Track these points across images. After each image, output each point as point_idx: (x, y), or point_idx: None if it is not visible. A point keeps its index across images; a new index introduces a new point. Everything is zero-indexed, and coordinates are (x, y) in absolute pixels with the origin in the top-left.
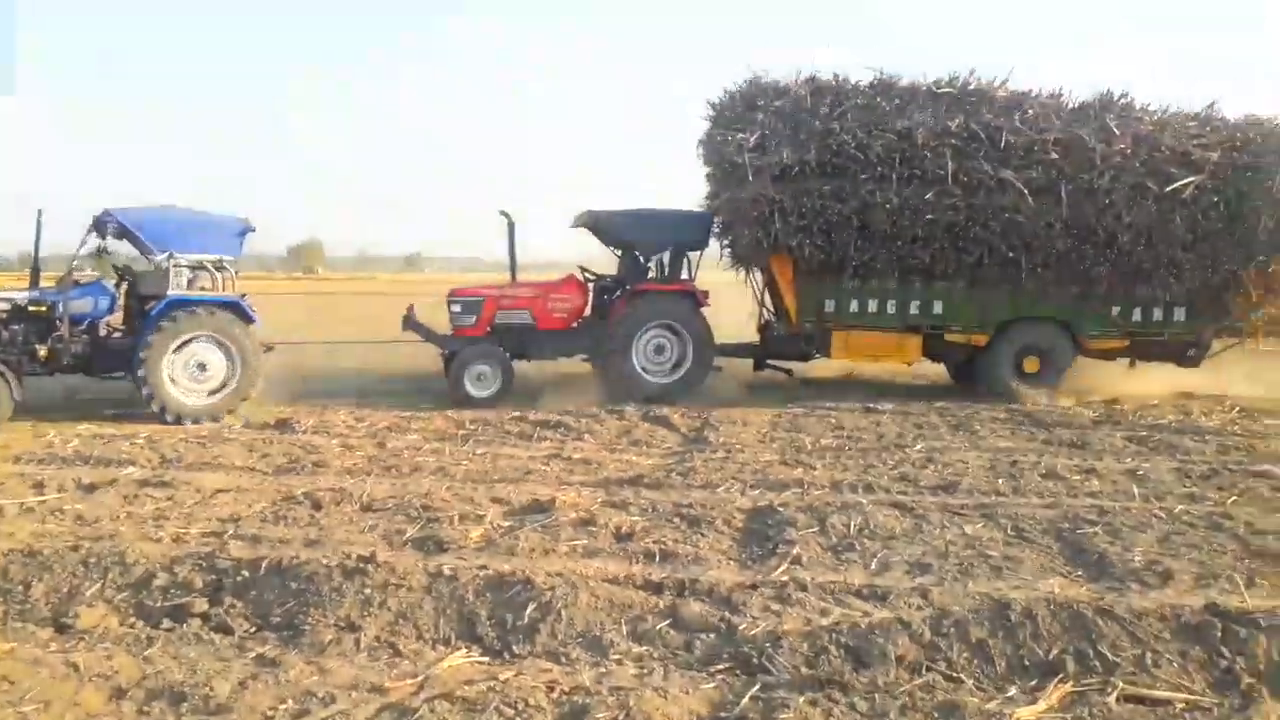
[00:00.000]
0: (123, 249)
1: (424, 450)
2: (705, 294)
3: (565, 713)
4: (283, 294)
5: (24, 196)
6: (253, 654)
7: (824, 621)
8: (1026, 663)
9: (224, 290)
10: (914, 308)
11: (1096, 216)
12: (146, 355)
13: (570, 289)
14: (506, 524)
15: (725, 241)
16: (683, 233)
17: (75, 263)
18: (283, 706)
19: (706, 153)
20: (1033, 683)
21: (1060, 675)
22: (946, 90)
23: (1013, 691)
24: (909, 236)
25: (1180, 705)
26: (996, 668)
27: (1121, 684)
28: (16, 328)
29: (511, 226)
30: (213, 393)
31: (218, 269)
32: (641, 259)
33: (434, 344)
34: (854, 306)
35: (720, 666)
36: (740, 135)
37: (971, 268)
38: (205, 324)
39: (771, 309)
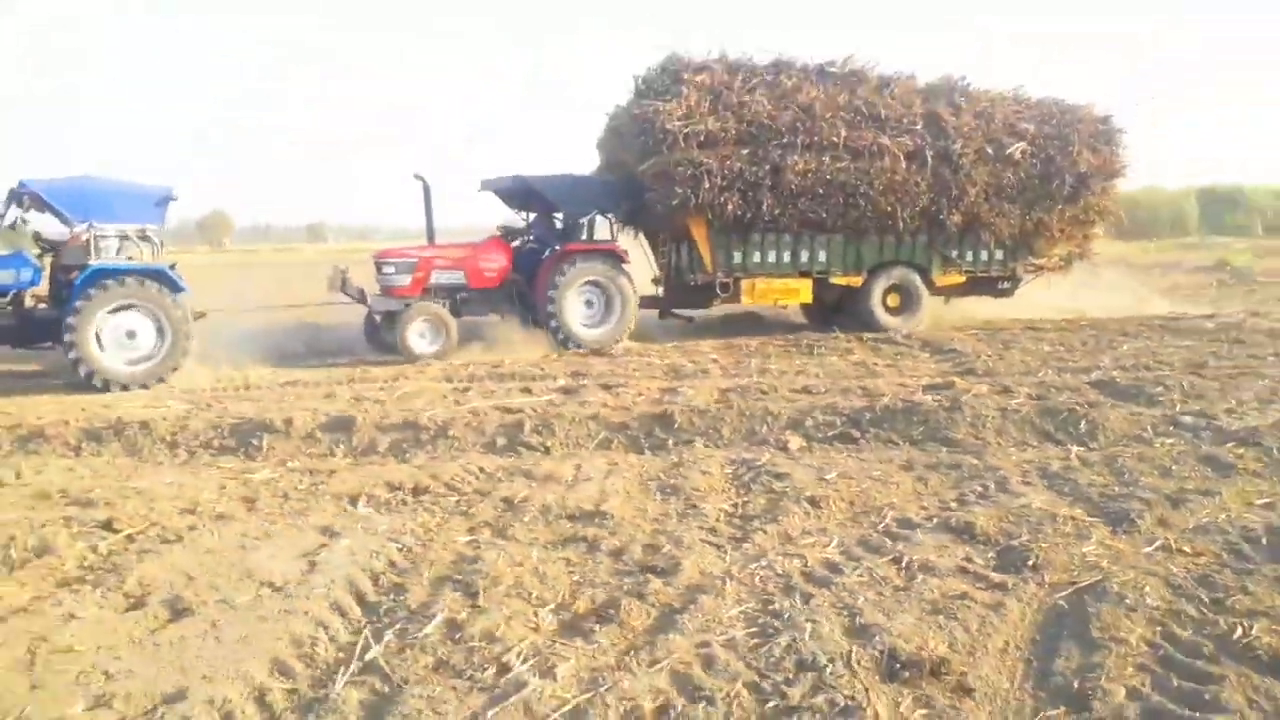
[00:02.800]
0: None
1: (751, 363)
2: (625, 253)
3: None
4: (205, 265)
5: None
6: (935, 455)
7: None
8: None
9: (150, 259)
10: (804, 256)
11: (951, 176)
12: (74, 324)
13: (497, 249)
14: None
15: (623, 205)
16: (603, 198)
17: None
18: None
19: (626, 123)
20: None
21: None
22: (833, 71)
23: None
24: (811, 195)
25: None
26: None
27: None
28: None
29: (427, 190)
30: (142, 360)
31: (141, 239)
32: (564, 221)
33: (368, 305)
34: (757, 257)
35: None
36: (670, 104)
37: (854, 221)
38: (132, 293)
39: (673, 264)
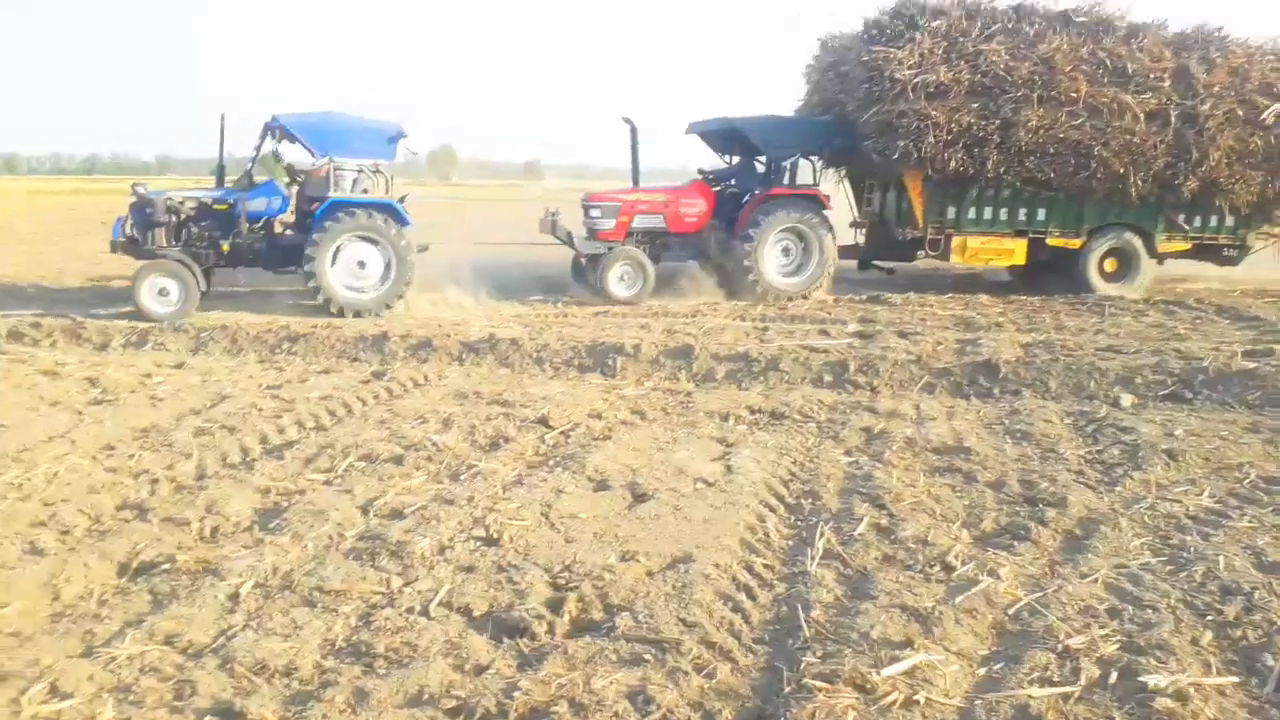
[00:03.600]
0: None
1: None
2: (827, 198)
3: None
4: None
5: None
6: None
7: None
8: None
9: (381, 194)
10: (1022, 215)
11: (1194, 139)
12: (313, 253)
13: (698, 194)
14: None
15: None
16: (809, 140)
17: (252, 165)
18: None
19: (850, 63)
20: None
21: None
22: (1080, 19)
23: None
24: (1040, 153)
25: None
26: None
27: None
28: (203, 224)
29: (634, 132)
30: (371, 288)
31: (374, 173)
32: (766, 164)
33: (574, 248)
34: (972, 214)
35: None
36: (902, 51)
37: (1082, 181)
38: (363, 225)
39: (880, 213)
